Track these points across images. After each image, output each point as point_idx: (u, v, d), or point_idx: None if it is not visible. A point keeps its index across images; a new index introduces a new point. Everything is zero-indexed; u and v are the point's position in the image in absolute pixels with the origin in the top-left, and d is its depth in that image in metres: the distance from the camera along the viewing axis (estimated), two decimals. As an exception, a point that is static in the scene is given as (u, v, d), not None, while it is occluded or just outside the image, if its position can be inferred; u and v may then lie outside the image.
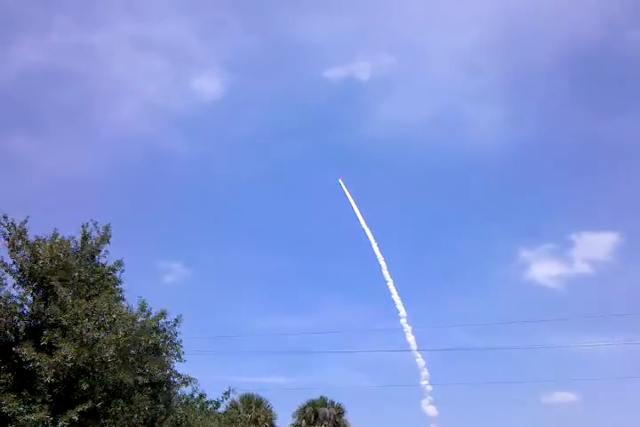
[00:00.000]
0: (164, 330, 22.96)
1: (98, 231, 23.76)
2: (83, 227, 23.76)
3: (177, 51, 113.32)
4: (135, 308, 22.98)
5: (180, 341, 23.37)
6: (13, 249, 21.90)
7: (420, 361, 55.75)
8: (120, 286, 23.83)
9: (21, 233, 22.13)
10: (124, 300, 23.34)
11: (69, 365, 19.09)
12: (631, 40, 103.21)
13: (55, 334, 19.75)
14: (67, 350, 19.07)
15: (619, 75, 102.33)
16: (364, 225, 62.00)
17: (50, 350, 19.75)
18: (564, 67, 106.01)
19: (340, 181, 66.63)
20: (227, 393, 26.35)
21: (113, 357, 19.83)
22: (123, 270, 24.03)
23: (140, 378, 21.14)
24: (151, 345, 21.88)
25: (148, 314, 22.95)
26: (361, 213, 63.31)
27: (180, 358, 23.27)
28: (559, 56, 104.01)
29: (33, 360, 19.03)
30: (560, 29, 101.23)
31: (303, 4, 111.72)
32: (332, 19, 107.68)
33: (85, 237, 23.64)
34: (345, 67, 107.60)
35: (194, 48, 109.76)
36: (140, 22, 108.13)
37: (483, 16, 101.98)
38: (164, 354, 22.61)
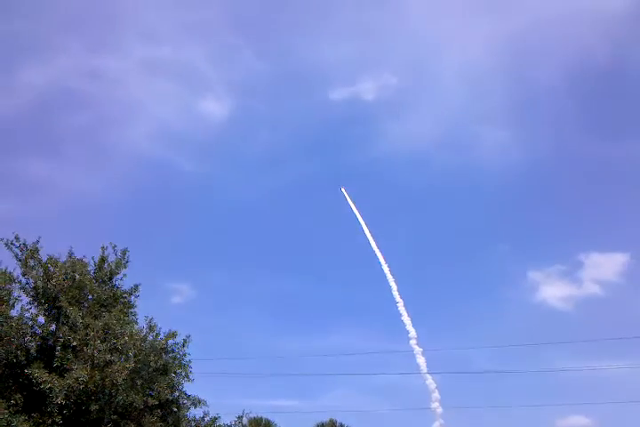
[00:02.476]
0: (173, 351, 23.03)
1: (115, 254, 23.97)
2: (102, 248, 23.98)
3: (189, 75, 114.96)
4: (144, 327, 23.08)
5: (189, 361, 23.41)
6: (27, 268, 22.18)
7: (431, 383, 55.05)
8: (134, 310, 23.90)
9: (33, 252, 22.39)
10: (136, 323, 23.33)
11: (81, 387, 19.19)
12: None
13: (68, 356, 19.91)
14: (79, 372, 19.20)
15: (628, 97, 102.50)
16: (374, 246, 61.88)
17: (61, 371, 19.86)
18: (573, 88, 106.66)
19: (343, 190, 66.48)
20: (240, 417, 25.87)
21: (124, 380, 19.87)
22: (138, 295, 24.19)
23: (149, 400, 21.12)
24: (160, 366, 21.91)
25: (157, 335, 23.01)
26: (368, 228, 63.07)
27: (187, 378, 23.23)
28: (567, 78, 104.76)
29: (45, 382, 19.12)
30: (568, 51, 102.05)
31: (313, 28, 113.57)
32: (341, 42, 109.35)
33: (103, 259, 23.83)
34: (353, 88, 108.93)
35: (205, 72, 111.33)
36: (153, 47, 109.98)
37: (490, 38, 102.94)
38: (173, 374, 22.56)
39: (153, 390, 21.60)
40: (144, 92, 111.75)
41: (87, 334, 20.27)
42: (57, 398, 18.87)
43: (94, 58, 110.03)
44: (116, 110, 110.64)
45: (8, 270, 22.01)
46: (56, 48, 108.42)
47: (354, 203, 64.71)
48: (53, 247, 23.51)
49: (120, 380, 19.64)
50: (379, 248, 61.71)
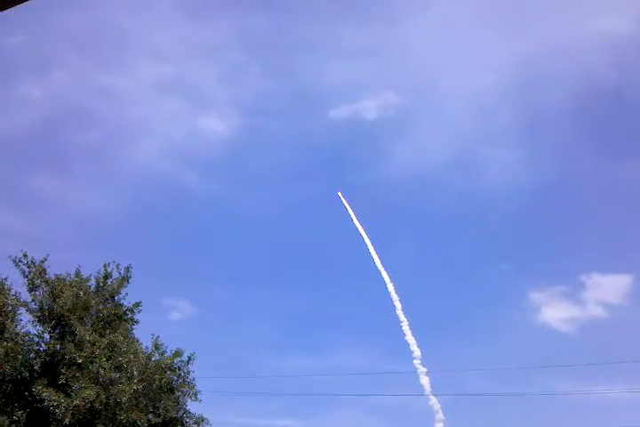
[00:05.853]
0: (178, 368, 23.01)
1: (119, 272, 24.01)
2: (104, 266, 24.05)
3: (197, 93, 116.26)
4: (149, 345, 23.16)
5: (193, 379, 23.41)
6: (32, 287, 22.26)
7: (435, 404, 54.40)
8: (136, 326, 23.98)
9: (41, 271, 22.45)
10: (139, 342, 23.38)
11: (87, 406, 19.23)
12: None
13: (76, 374, 19.91)
14: (88, 392, 19.20)
15: (635, 118, 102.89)
16: (378, 265, 61.69)
17: (66, 388, 19.85)
18: (580, 110, 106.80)
19: (340, 194, 66.10)
20: None
21: (129, 399, 19.90)
22: (140, 311, 24.21)
23: (152, 417, 21.10)
24: (164, 383, 21.87)
25: (163, 352, 23.04)
26: (370, 241, 62.67)
27: (195, 397, 23.15)
28: (574, 100, 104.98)
29: (51, 400, 19.14)
30: (575, 73, 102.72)
31: (321, 48, 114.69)
32: (349, 63, 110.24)
33: (106, 277, 23.88)
34: (359, 109, 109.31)
35: (213, 91, 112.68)
36: (162, 66, 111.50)
37: (496, 59, 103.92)
38: (179, 393, 22.53)
39: (158, 408, 21.57)
40: (152, 111, 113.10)
41: (93, 352, 20.30)
42: (65, 418, 18.91)
43: (103, 76, 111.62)
44: (124, 128, 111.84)
45: (14, 288, 22.14)
46: (65, 66, 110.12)
47: (351, 208, 64.43)
48: (59, 263, 23.69)
49: (124, 399, 19.64)
50: (383, 266, 61.48)
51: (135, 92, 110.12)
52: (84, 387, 19.38)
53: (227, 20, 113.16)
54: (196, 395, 23.02)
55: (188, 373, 23.17)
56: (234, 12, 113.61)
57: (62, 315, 21.67)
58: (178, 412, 22.42)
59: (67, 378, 19.90)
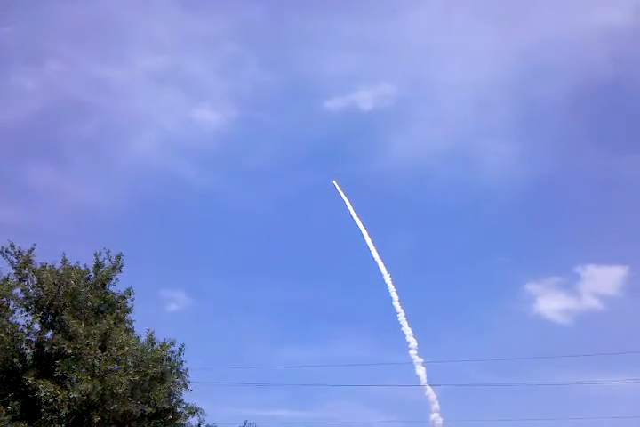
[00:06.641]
0: (170, 359, 23.08)
1: (110, 260, 23.98)
2: (95, 255, 23.99)
3: (193, 85, 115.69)
4: (143, 337, 23.23)
5: (187, 370, 23.55)
6: (21, 277, 22.30)
7: (431, 394, 54.61)
8: (129, 316, 23.95)
9: (27, 261, 22.49)
10: (133, 331, 23.39)
11: (83, 398, 19.32)
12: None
13: (73, 366, 19.96)
14: (84, 385, 19.30)
15: (633, 111, 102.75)
16: (375, 256, 61.74)
17: (62, 381, 19.86)
18: (578, 103, 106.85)
19: (335, 182, 65.69)
20: None
21: (125, 390, 20.01)
22: (133, 299, 24.18)
23: (146, 408, 21.10)
24: (157, 374, 21.94)
25: (153, 343, 23.11)
26: (367, 232, 62.64)
27: (186, 387, 23.25)
28: (572, 92, 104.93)
29: (48, 393, 19.23)
30: (573, 65, 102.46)
31: (318, 40, 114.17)
32: (346, 55, 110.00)
33: (98, 265, 23.82)
34: (355, 100, 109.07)
35: (210, 83, 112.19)
36: (159, 57, 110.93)
37: (494, 51, 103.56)
38: (171, 383, 22.55)
39: (151, 399, 21.58)
40: (149, 103, 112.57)
41: (88, 344, 20.32)
42: (61, 410, 19.05)
43: (99, 68, 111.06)
44: (120, 120, 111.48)
45: (4, 278, 22.10)
46: (60, 57, 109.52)
47: (347, 197, 64.23)
48: (54, 254, 23.64)
49: (121, 391, 19.74)
50: (380, 257, 61.53)
51: (131, 83, 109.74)
52: (81, 379, 19.45)
53: (224, 11, 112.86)
54: (186, 385, 23.17)
55: (181, 363, 23.29)
56: (231, 4, 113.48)
57: (51, 304, 21.68)
58: (170, 402, 22.43)
59: (62, 371, 19.91)
